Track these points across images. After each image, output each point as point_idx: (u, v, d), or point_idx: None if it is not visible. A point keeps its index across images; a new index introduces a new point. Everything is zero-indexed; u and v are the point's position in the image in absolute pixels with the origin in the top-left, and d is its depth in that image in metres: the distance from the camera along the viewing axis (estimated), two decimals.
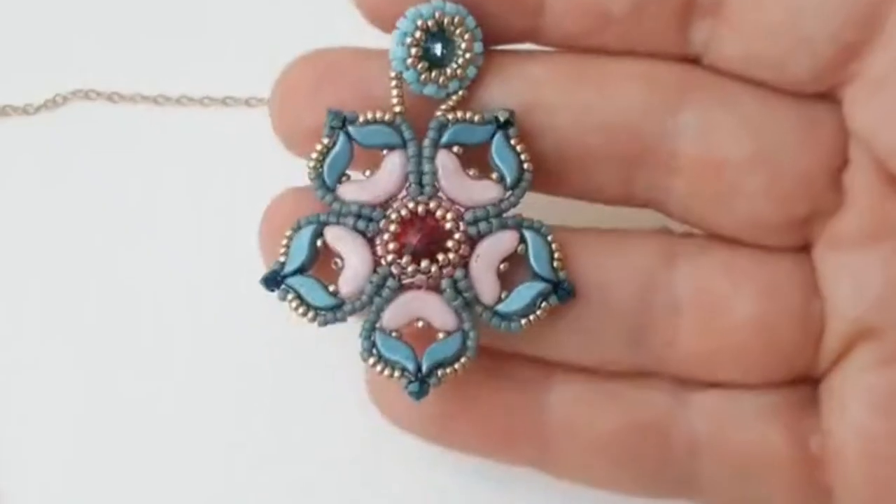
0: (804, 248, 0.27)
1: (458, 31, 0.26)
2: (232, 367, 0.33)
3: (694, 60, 0.27)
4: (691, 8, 0.26)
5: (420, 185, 0.26)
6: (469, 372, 0.27)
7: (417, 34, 0.26)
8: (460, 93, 0.27)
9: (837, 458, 0.27)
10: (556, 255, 0.26)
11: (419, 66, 0.26)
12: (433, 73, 0.26)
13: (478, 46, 0.26)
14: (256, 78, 0.35)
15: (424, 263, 0.26)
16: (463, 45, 0.26)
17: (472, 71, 0.26)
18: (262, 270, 0.28)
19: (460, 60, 0.26)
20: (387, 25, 0.27)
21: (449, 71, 0.26)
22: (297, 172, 0.27)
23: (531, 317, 0.26)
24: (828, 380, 0.27)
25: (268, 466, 0.32)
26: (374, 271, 0.26)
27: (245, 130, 0.35)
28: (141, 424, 0.32)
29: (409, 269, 0.26)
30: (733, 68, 0.27)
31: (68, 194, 0.35)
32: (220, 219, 0.34)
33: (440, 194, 0.26)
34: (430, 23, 0.26)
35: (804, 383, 0.27)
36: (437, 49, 0.26)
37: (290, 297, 0.26)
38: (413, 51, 0.26)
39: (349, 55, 0.27)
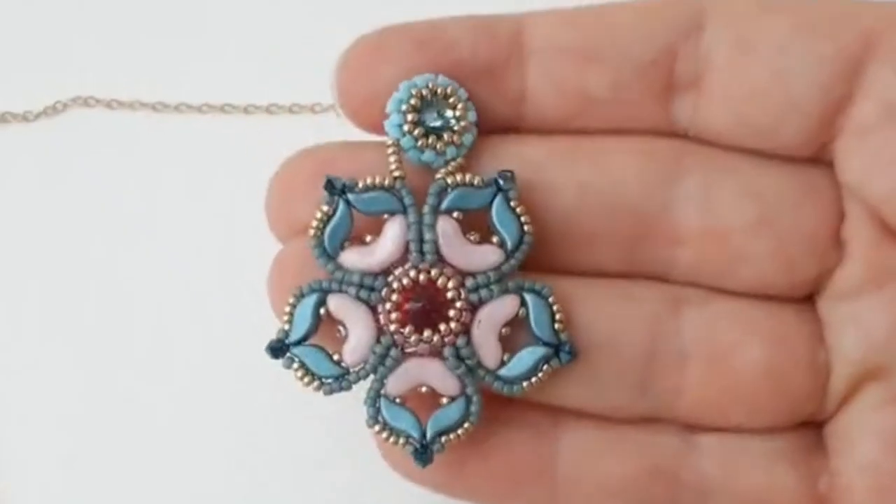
0: (808, 297, 0.28)
1: (451, 101, 0.26)
2: (230, 371, 0.33)
3: (683, 135, 0.27)
4: (672, 84, 0.26)
5: (421, 252, 0.26)
6: (481, 420, 0.27)
7: (413, 101, 0.26)
8: (459, 161, 0.26)
9: (846, 496, 0.27)
10: (557, 318, 0.26)
11: (415, 132, 0.26)
12: (430, 140, 0.26)
13: (471, 115, 0.26)
14: (254, 85, 0.36)
15: (427, 333, 0.26)
16: (457, 113, 0.26)
17: (468, 138, 0.26)
18: (261, 282, 0.28)
19: (456, 127, 0.26)
20: (371, 126, 0.27)
21: (446, 136, 0.26)
22: None
23: (533, 380, 0.27)
24: (834, 422, 0.27)
25: (267, 472, 0.33)
26: (378, 340, 0.26)
27: (243, 137, 0.36)
28: (139, 427, 0.33)
29: (412, 338, 0.26)
30: (723, 139, 0.27)
31: (67, 200, 0.35)
32: (218, 225, 0.35)
33: (441, 260, 0.26)
34: (424, 91, 0.26)
35: (808, 427, 0.28)
36: (432, 118, 0.26)
37: (294, 366, 0.27)
38: (409, 117, 0.26)
39: (342, 150, 0.27)
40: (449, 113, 0.26)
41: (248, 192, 0.34)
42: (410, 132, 0.26)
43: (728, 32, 0.26)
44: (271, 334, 0.28)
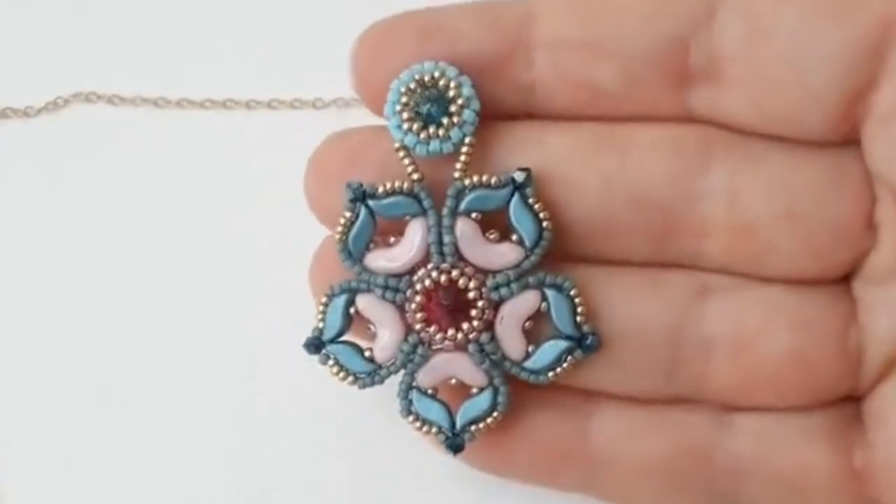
0: (844, 277, 0.27)
1: (441, 83, 0.26)
2: (233, 371, 0.33)
3: (705, 122, 0.27)
4: (686, 75, 0.26)
5: (441, 254, 0.27)
6: (517, 402, 0.28)
7: (403, 99, 0.26)
8: (467, 140, 0.27)
9: (883, 471, 0.27)
10: (579, 311, 0.27)
11: (414, 127, 0.27)
12: (431, 130, 0.27)
13: (466, 90, 0.26)
14: (257, 81, 0.36)
15: (451, 332, 0.27)
16: (451, 94, 0.26)
17: (469, 115, 0.27)
18: (267, 278, 0.30)
19: (453, 107, 0.27)
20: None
21: (445, 121, 0.27)
22: (297, 175, 0.28)
23: (558, 370, 0.27)
24: (870, 398, 0.27)
25: (270, 477, 0.33)
26: (405, 338, 0.27)
27: (245, 133, 0.36)
28: (139, 429, 0.33)
29: (437, 336, 0.27)
30: (745, 129, 0.27)
31: (69, 196, 0.35)
32: (219, 221, 0.35)
33: (462, 260, 0.27)
34: (411, 85, 0.26)
35: (846, 402, 0.28)
36: (429, 107, 0.27)
37: (330, 362, 0.28)
38: (405, 115, 0.27)
39: (373, 134, 0.27)
40: (444, 94, 0.26)
41: (250, 187, 0.35)
42: (410, 129, 0.27)
43: (740, 21, 0.26)
44: (276, 329, 0.30)
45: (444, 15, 0.27)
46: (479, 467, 0.29)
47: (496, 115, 0.27)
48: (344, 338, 0.28)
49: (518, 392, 0.28)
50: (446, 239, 0.27)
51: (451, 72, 0.26)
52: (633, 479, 0.28)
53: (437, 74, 0.26)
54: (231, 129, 0.36)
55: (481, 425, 0.28)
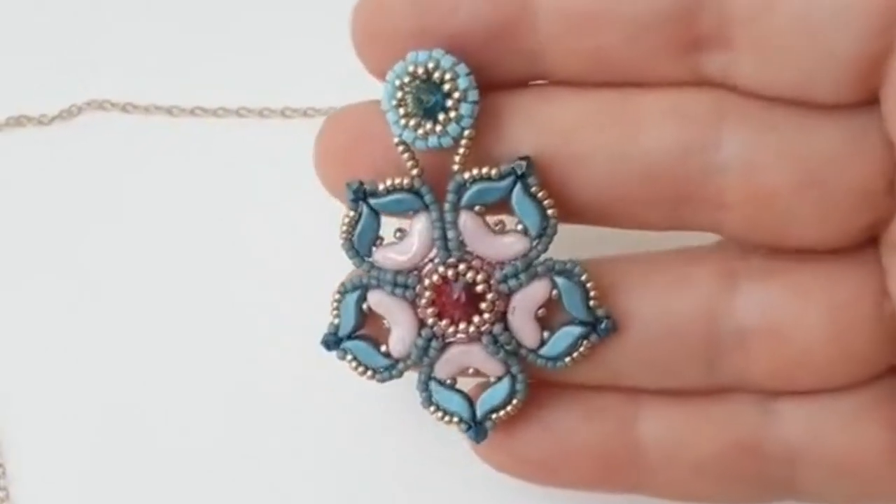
0: (871, 242, 0.27)
1: (436, 76, 0.26)
2: (243, 378, 0.33)
3: (719, 85, 0.26)
4: (696, 40, 0.25)
5: (447, 249, 0.27)
6: (562, 413, 0.28)
7: (398, 94, 0.26)
8: (466, 133, 0.26)
9: None
10: (591, 295, 0.27)
11: (411, 123, 0.26)
12: (429, 126, 0.26)
13: (462, 82, 0.26)
14: (270, 89, 0.36)
15: (463, 325, 0.27)
16: (447, 87, 0.26)
17: (466, 108, 0.26)
18: (281, 284, 0.31)
19: (449, 102, 0.26)
20: None
21: (441, 116, 0.26)
22: (310, 181, 0.28)
23: (574, 355, 0.27)
24: None
25: (282, 482, 0.33)
26: (419, 333, 0.27)
27: (259, 141, 0.36)
28: (148, 435, 0.33)
29: (450, 330, 0.27)
30: (758, 93, 0.26)
31: (83, 204, 0.36)
32: (233, 228, 0.35)
33: (468, 253, 0.27)
34: (405, 79, 0.26)
35: (890, 375, 0.27)
36: (425, 103, 0.26)
37: (348, 357, 0.28)
38: (401, 111, 0.26)
39: (378, 110, 0.27)
40: (440, 86, 0.26)
41: (263, 195, 0.35)
42: (407, 125, 0.26)
43: None
44: (288, 335, 0.30)
45: None
46: (533, 481, 0.29)
47: (503, 83, 0.27)
48: (359, 333, 0.28)
49: (555, 401, 0.28)
50: (450, 234, 0.27)
51: (446, 61, 0.26)
52: (686, 479, 0.28)
53: (430, 66, 0.26)
54: (244, 138, 0.36)
55: (501, 413, 0.28)
